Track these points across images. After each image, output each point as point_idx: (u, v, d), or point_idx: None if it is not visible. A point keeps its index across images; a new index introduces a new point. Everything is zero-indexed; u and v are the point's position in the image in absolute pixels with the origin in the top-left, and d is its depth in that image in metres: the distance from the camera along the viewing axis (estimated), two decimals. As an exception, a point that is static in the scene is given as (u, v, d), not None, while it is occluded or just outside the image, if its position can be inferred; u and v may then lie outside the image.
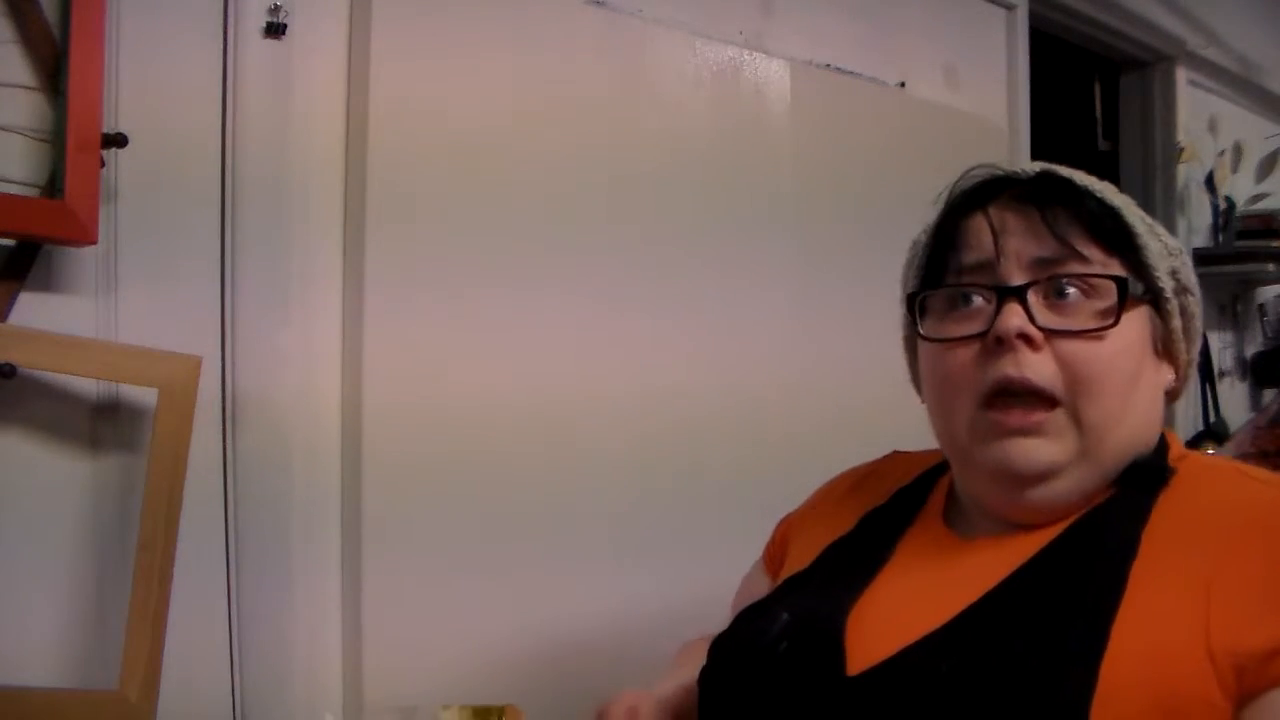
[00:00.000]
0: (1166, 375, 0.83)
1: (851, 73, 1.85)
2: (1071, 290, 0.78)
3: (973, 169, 0.85)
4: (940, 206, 0.86)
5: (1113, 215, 0.81)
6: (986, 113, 2.12)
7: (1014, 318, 0.76)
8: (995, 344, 0.77)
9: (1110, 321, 0.77)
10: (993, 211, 0.81)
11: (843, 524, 0.92)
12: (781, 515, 1.04)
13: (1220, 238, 2.94)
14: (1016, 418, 0.77)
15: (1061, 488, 0.78)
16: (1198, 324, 0.85)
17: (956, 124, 2.00)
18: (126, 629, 1.06)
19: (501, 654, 1.34)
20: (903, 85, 1.95)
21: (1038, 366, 0.76)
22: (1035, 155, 1.80)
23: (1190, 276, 0.84)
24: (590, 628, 1.42)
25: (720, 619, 0.95)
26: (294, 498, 1.23)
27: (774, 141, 1.69)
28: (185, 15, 1.17)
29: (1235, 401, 3.06)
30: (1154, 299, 0.81)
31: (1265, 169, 3.05)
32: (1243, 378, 3.15)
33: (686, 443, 1.54)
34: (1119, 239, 0.80)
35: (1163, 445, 0.83)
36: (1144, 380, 0.80)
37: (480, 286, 1.34)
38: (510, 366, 1.36)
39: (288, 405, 1.23)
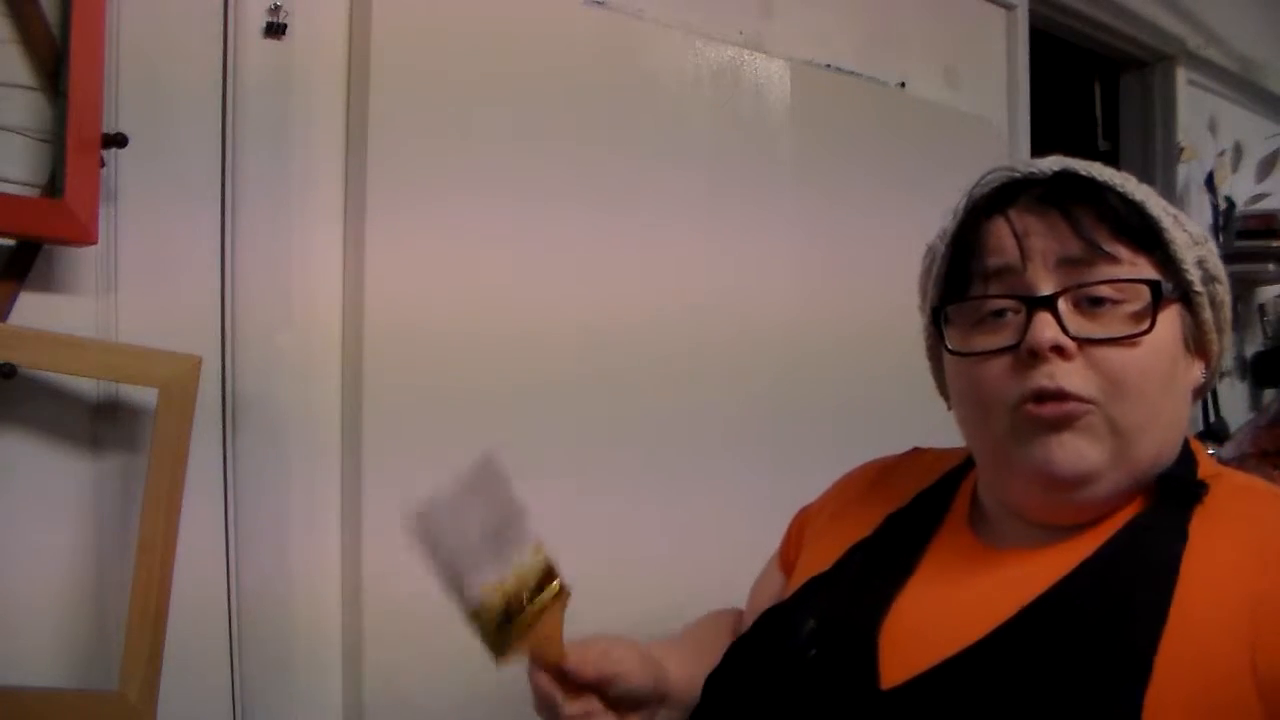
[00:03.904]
0: (1196, 372, 0.81)
1: (851, 73, 1.85)
2: (1103, 296, 0.76)
3: (988, 172, 0.82)
4: (958, 213, 0.83)
5: (1137, 211, 0.78)
6: (986, 113, 2.12)
7: (1046, 329, 0.74)
8: (1029, 356, 0.75)
9: (1145, 327, 0.75)
10: (1014, 215, 0.78)
11: (865, 524, 0.90)
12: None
13: (1220, 238, 2.94)
14: (1051, 408, 0.74)
15: (1100, 490, 0.76)
16: (1227, 313, 0.82)
17: (956, 124, 2.00)
18: (126, 629, 1.06)
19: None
20: (903, 85, 1.95)
21: (1072, 376, 0.74)
22: (1035, 155, 1.80)
23: (1217, 264, 0.81)
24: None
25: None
26: (294, 498, 1.23)
27: (774, 141, 1.69)
28: (185, 15, 1.17)
29: (1235, 401, 3.05)
30: (1184, 294, 0.78)
31: (1265, 169, 3.05)
32: (1243, 378, 3.15)
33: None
34: (1145, 235, 0.77)
35: (1188, 455, 0.80)
36: (1177, 381, 0.78)
37: (482, 287, 1.34)
38: (511, 367, 1.36)
39: (288, 405, 1.23)
